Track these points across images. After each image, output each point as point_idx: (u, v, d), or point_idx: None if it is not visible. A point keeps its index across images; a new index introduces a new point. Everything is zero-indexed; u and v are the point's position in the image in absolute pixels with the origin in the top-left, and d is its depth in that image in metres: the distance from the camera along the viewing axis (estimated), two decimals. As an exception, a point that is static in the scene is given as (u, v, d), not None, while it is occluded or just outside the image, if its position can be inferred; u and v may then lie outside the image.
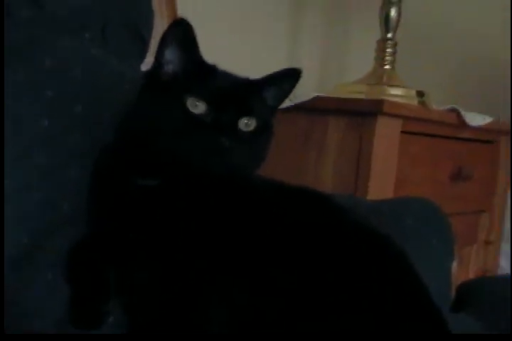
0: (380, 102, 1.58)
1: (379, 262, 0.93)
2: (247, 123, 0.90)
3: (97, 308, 0.88)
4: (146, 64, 1.19)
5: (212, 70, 0.93)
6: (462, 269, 2.01)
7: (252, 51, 2.01)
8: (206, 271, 0.87)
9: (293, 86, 0.97)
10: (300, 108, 1.64)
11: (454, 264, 1.32)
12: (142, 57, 1.23)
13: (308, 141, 1.65)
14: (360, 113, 1.59)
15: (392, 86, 1.85)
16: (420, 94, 1.88)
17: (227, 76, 0.95)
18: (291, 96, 1.51)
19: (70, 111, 0.98)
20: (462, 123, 1.85)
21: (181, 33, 0.91)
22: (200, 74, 0.91)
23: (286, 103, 1.59)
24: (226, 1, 1.93)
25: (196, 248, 0.87)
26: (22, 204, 0.88)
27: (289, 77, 0.96)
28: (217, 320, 0.85)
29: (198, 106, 0.88)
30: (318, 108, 1.65)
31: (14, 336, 0.82)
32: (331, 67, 2.31)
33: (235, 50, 1.94)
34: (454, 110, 1.84)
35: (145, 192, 0.89)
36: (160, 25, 1.35)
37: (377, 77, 1.89)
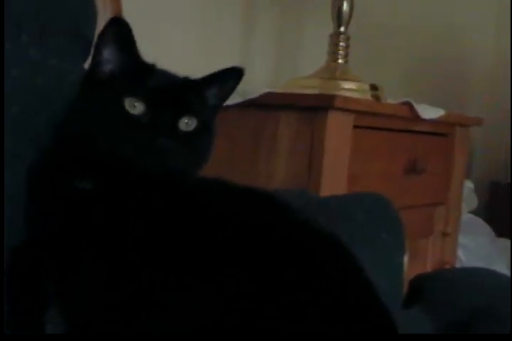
0: (330, 97, 1.57)
1: (319, 263, 0.91)
2: (187, 123, 0.89)
3: (33, 321, 0.87)
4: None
5: (150, 69, 0.92)
6: (419, 262, 2.02)
7: (204, 46, 1.99)
8: (145, 276, 0.85)
9: (236, 84, 0.96)
10: (251, 104, 1.62)
11: (406, 258, 1.32)
12: (86, 56, 1.21)
13: (260, 138, 1.64)
14: (312, 108, 1.58)
15: (345, 80, 1.85)
16: (374, 87, 1.88)
17: (165, 75, 0.93)
18: (241, 92, 1.51)
19: (6, 112, 0.96)
20: (415, 117, 1.85)
21: (118, 31, 0.90)
22: (139, 74, 0.90)
23: (237, 99, 1.58)
24: (172, 3, 1.91)
25: (134, 250, 0.85)
26: None
27: (232, 75, 0.95)
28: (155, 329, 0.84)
29: (136, 107, 0.87)
30: (269, 104, 1.64)
31: (14, 336, 0.81)
32: (285, 62, 2.30)
33: (186, 47, 1.93)
34: (406, 103, 1.84)
35: (82, 195, 0.88)
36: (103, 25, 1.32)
37: (331, 71, 1.89)
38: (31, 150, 0.94)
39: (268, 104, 1.63)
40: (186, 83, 0.93)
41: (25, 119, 0.97)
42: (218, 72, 0.94)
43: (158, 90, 0.88)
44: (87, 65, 1.18)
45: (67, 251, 0.88)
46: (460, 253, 2.36)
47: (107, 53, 0.90)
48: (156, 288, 0.84)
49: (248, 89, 1.56)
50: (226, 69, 0.94)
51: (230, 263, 0.86)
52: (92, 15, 1.25)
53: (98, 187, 0.88)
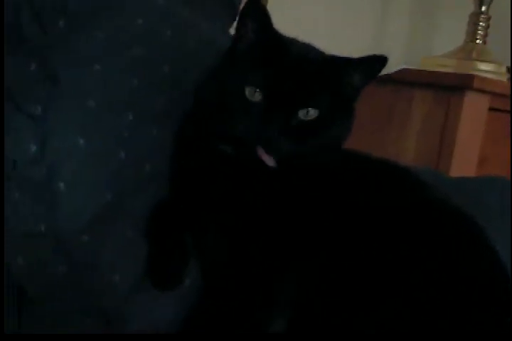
0: (469, 77, 1.54)
1: (461, 244, 0.91)
2: (307, 113, 0.88)
3: (176, 270, 0.89)
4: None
5: (286, 49, 0.91)
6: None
7: (339, 21, 1.98)
8: (277, 243, 0.87)
9: (378, 72, 0.93)
10: (386, 80, 1.60)
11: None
12: (232, 20, 1.22)
13: (392, 114, 1.63)
14: (448, 87, 1.56)
15: (482, 61, 1.80)
16: (511, 70, 1.82)
17: (302, 56, 0.91)
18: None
19: (157, 72, 0.98)
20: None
21: (256, 10, 0.90)
22: (271, 55, 0.89)
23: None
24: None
25: (268, 219, 0.88)
26: (108, 162, 0.89)
27: (376, 63, 0.92)
28: (283, 294, 0.86)
29: (255, 95, 0.88)
30: (405, 80, 1.61)
31: (14, 336, 0.83)
32: (420, 39, 2.26)
33: (323, 21, 1.92)
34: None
35: (224, 159, 0.90)
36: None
37: (468, 51, 1.84)
38: (179, 109, 0.97)
39: (403, 81, 1.61)
40: (321, 66, 0.91)
41: (175, 79, 0.99)
42: (364, 57, 0.91)
43: (281, 80, 0.88)
44: (232, 30, 1.21)
45: (205, 210, 0.91)
46: None
47: (247, 30, 0.91)
48: (289, 256, 0.86)
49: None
50: (372, 56, 0.91)
51: (372, 238, 0.87)
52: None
53: (236, 155, 0.90)
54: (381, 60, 0.91)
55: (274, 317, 0.86)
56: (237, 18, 0.94)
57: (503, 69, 1.82)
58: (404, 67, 1.63)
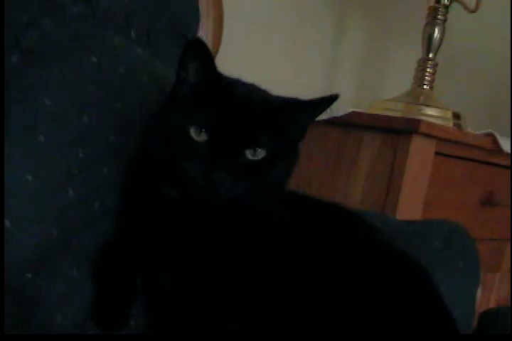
0: (416, 122, 1.57)
1: (408, 284, 0.92)
2: (254, 153, 0.88)
3: (121, 310, 0.88)
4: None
5: (229, 91, 0.90)
6: (484, 296, 1.98)
7: (289, 63, 2.00)
8: (226, 279, 0.86)
9: (326, 108, 0.94)
10: (335, 122, 1.63)
11: (479, 291, 1.30)
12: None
13: (341, 155, 1.64)
14: (396, 131, 1.58)
15: (429, 106, 1.84)
16: (456, 116, 1.86)
17: (246, 96, 0.91)
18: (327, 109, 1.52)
19: (109, 109, 0.98)
20: (497, 149, 1.82)
21: (197, 53, 0.89)
22: (214, 97, 0.88)
23: (321, 116, 1.59)
24: (271, 10, 1.93)
25: (217, 257, 0.87)
26: (56, 200, 0.87)
27: (326, 102, 0.92)
28: (232, 329, 0.85)
29: (200, 135, 0.87)
30: (354, 123, 1.64)
31: (14, 336, 0.82)
32: (369, 83, 2.30)
33: (277, 58, 1.94)
34: (489, 135, 1.82)
35: (169, 202, 0.90)
36: (205, 27, 1.34)
37: (415, 96, 1.88)
38: (129, 148, 0.96)
39: (352, 124, 1.64)
40: (268, 107, 0.90)
41: (127, 117, 0.99)
42: (316, 99, 0.92)
43: (226, 120, 0.87)
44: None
45: (154, 248, 0.90)
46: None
47: (188, 73, 0.90)
48: (237, 292, 0.86)
49: (333, 105, 1.56)
50: (325, 98, 0.92)
51: (319, 277, 0.87)
52: (194, 18, 1.27)
53: (181, 198, 0.89)
54: (332, 100, 0.92)
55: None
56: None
57: (449, 115, 1.86)
58: (353, 110, 1.65)
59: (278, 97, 0.94)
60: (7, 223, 0.82)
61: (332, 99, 0.92)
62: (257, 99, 0.91)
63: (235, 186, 0.87)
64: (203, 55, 0.89)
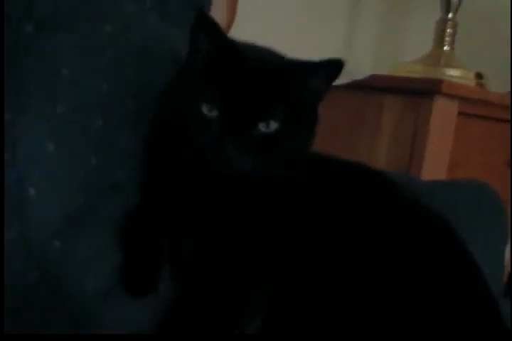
0: (438, 82, 1.56)
1: (434, 242, 0.92)
2: (267, 125, 0.86)
3: (150, 275, 0.88)
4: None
5: (242, 57, 0.88)
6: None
7: (309, 28, 1.99)
8: (251, 248, 0.87)
9: (336, 76, 0.91)
10: (355, 86, 1.61)
11: (508, 248, 1.29)
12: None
13: (363, 120, 1.63)
14: (417, 92, 1.57)
15: (450, 67, 1.82)
16: (479, 76, 1.84)
17: (258, 64, 0.89)
18: (346, 72, 1.50)
19: (126, 76, 0.97)
20: (521, 107, 1.80)
21: (205, 22, 0.88)
22: (228, 64, 0.87)
23: (341, 80, 1.57)
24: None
25: (244, 224, 0.87)
26: (79, 167, 0.88)
27: (332, 66, 0.90)
28: (255, 299, 0.86)
29: (212, 111, 0.86)
30: (374, 86, 1.62)
31: (14, 336, 0.82)
32: (388, 46, 2.28)
33: (292, 28, 1.93)
34: (512, 93, 1.80)
35: (188, 172, 0.89)
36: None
37: (436, 57, 1.86)
38: (148, 116, 0.96)
39: (373, 87, 1.63)
40: (279, 73, 0.88)
41: (143, 86, 0.98)
42: (322, 61, 0.89)
43: (237, 93, 0.85)
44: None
45: (177, 216, 0.90)
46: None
47: (200, 43, 0.89)
48: (263, 262, 0.86)
49: (353, 69, 1.55)
50: (329, 60, 0.89)
51: (345, 240, 0.87)
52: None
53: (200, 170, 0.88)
54: (338, 64, 0.89)
55: (249, 319, 0.86)
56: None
57: (471, 75, 1.84)
58: (372, 73, 1.64)
59: (290, 62, 0.92)
60: (31, 191, 0.83)
61: (338, 63, 0.89)
62: (268, 67, 0.89)
63: (250, 159, 0.86)
64: (211, 25, 0.88)
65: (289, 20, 1.89)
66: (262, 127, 0.86)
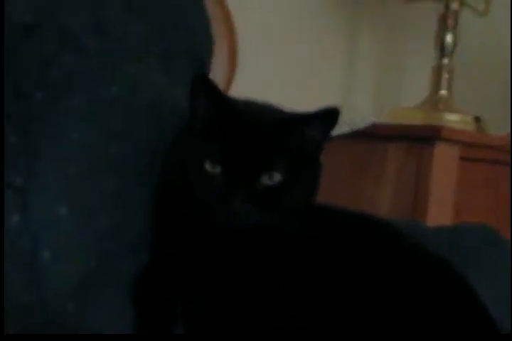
0: (438, 128, 1.58)
1: (440, 288, 0.92)
2: (270, 177, 0.88)
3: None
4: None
5: (241, 116, 0.90)
6: None
7: (307, 74, 2.01)
8: (255, 301, 0.88)
9: (334, 124, 0.91)
10: (357, 134, 1.63)
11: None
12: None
13: (367, 167, 1.65)
14: (419, 139, 1.59)
15: (448, 112, 1.84)
16: (477, 119, 1.86)
17: (257, 121, 0.91)
18: (347, 120, 1.52)
19: (134, 139, 0.99)
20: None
21: (205, 88, 0.90)
22: (228, 122, 0.89)
23: (344, 129, 1.60)
24: (283, 23, 1.95)
25: (245, 280, 0.88)
26: (91, 229, 0.89)
27: (329, 115, 0.91)
28: None
29: (214, 168, 0.87)
30: (376, 134, 1.64)
31: (14, 336, 0.82)
32: (386, 91, 2.31)
33: (290, 72, 1.95)
34: (512, 135, 1.81)
35: (196, 230, 0.90)
36: (219, 51, 1.36)
37: (434, 102, 1.88)
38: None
39: (375, 135, 1.64)
40: (276, 126, 0.90)
41: (153, 145, 1.00)
42: (318, 111, 0.91)
43: (237, 149, 0.87)
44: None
45: (188, 274, 0.91)
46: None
47: (198, 104, 0.91)
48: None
49: (355, 118, 1.57)
50: (325, 109, 0.90)
51: (351, 288, 0.88)
52: (209, 44, 1.28)
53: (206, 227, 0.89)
54: (334, 111, 0.90)
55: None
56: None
57: (470, 119, 1.86)
58: (372, 120, 1.66)
59: (287, 115, 0.94)
60: (46, 256, 0.84)
61: (335, 111, 0.90)
62: (267, 122, 0.91)
63: (255, 212, 0.87)
64: (209, 86, 0.90)
65: (288, 72, 1.92)
66: (265, 180, 0.87)
